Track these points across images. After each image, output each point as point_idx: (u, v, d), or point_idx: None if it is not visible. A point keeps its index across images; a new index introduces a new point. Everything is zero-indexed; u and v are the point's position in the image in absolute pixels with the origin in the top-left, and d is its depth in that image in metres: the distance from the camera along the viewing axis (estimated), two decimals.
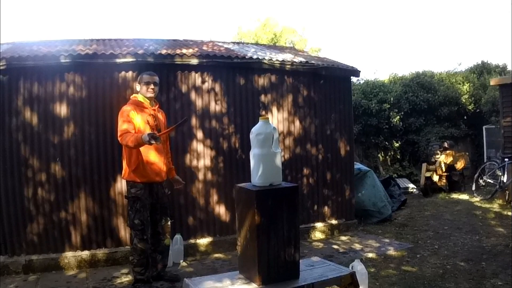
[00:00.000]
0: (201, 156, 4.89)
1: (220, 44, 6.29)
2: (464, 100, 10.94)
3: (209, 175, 4.92)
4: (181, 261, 4.52)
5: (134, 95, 3.87)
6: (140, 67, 4.59)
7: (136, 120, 3.64)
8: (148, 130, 3.60)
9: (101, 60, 4.45)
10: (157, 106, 3.94)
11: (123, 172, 3.80)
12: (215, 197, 4.95)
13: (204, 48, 5.51)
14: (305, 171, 5.49)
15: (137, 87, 3.85)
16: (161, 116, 3.93)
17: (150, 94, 3.78)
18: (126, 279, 4.03)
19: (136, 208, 3.65)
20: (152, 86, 3.77)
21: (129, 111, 3.65)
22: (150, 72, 3.90)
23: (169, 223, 4.12)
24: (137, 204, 3.66)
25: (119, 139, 3.59)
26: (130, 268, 3.79)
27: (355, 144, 9.29)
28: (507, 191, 7.03)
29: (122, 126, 3.59)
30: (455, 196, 7.99)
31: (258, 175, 2.48)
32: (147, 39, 5.84)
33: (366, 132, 10.47)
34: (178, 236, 4.54)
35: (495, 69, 12.61)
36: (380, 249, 4.81)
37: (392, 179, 7.98)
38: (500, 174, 7.45)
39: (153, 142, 3.37)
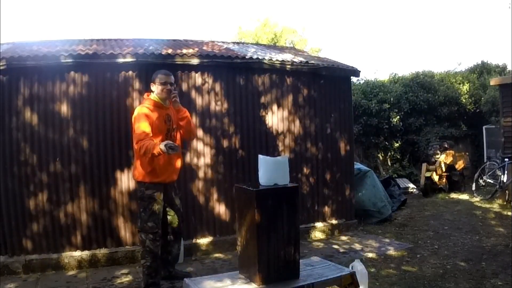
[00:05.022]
0: (201, 155, 4.88)
1: (220, 44, 6.30)
2: (464, 100, 10.94)
3: (209, 175, 4.92)
4: (181, 261, 4.52)
5: (149, 95, 3.69)
6: (141, 67, 4.60)
7: (153, 119, 3.48)
8: (163, 131, 3.52)
9: (101, 60, 4.45)
10: (170, 105, 3.75)
11: (135, 173, 3.66)
12: (215, 197, 4.95)
13: (204, 48, 5.51)
14: (305, 170, 5.49)
15: (152, 87, 3.67)
16: (172, 114, 3.74)
17: (166, 95, 3.64)
18: (126, 279, 4.04)
19: (152, 210, 3.53)
20: (168, 86, 3.63)
21: (145, 112, 3.48)
22: (165, 71, 3.74)
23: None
24: (152, 206, 3.53)
25: (136, 145, 3.39)
26: (142, 271, 3.65)
27: (355, 144, 9.29)
28: (507, 191, 7.03)
29: (139, 128, 3.40)
30: (455, 196, 7.99)
31: (261, 174, 2.49)
32: (147, 39, 5.85)
33: (366, 132, 10.47)
34: None
35: (495, 69, 12.61)
36: (380, 249, 4.81)
37: (392, 179, 7.98)
38: (500, 174, 7.45)
39: (171, 152, 3.18)
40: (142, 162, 3.53)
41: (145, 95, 3.75)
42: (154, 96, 3.65)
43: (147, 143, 3.29)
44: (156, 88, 3.64)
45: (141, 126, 3.40)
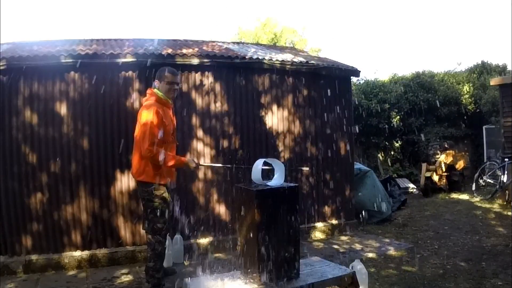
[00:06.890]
0: (201, 155, 4.88)
1: (220, 44, 6.30)
2: (464, 100, 10.94)
3: (209, 175, 4.92)
4: (182, 261, 4.52)
5: (154, 90, 3.51)
6: (141, 67, 4.59)
7: (163, 118, 3.37)
8: (170, 131, 3.49)
9: (101, 60, 4.45)
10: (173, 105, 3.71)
11: (141, 174, 3.45)
12: (215, 197, 4.94)
13: (205, 48, 5.51)
14: (305, 170, 5.48)
15: (156, 83, 3.53)
16: (172, 113, 3.70)
17: (172, 95, 3.57)
18: (126, 279, 4.03)
19: (162, 210, 3.44)
20: (175, 86, 3.54)
21: (157, 110, 3.34)
22: (172, 70, 3.61)
23: None
24: (162, 207, 3.45)
25: (149, 147, 3.26)
26: (148, 274, 3.54)
27: (355, 144, 9.28)
28: (507, 191, 7.03)
29: (153, 130, 3.28)
30: (455, 196, 7.99)
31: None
32: (147, 39, 5.84)
33: (366, 132, 10.47)
34: (178, 236, 4.54)
35: (495, 69, 12.60)
36: (380, 249, 4.81)
37: (392, 179, 7.98)
38: (500, 174, 7.45)
39: (193, 166, 3.56)
40: (152, 163, 3.39)
41: (149, 90, 3.57)
42: (159, 92, 3.48)
43: (167, 155, 3.36)
44: (162, 86, 3.50)
45: (154, 129, 3.29)
